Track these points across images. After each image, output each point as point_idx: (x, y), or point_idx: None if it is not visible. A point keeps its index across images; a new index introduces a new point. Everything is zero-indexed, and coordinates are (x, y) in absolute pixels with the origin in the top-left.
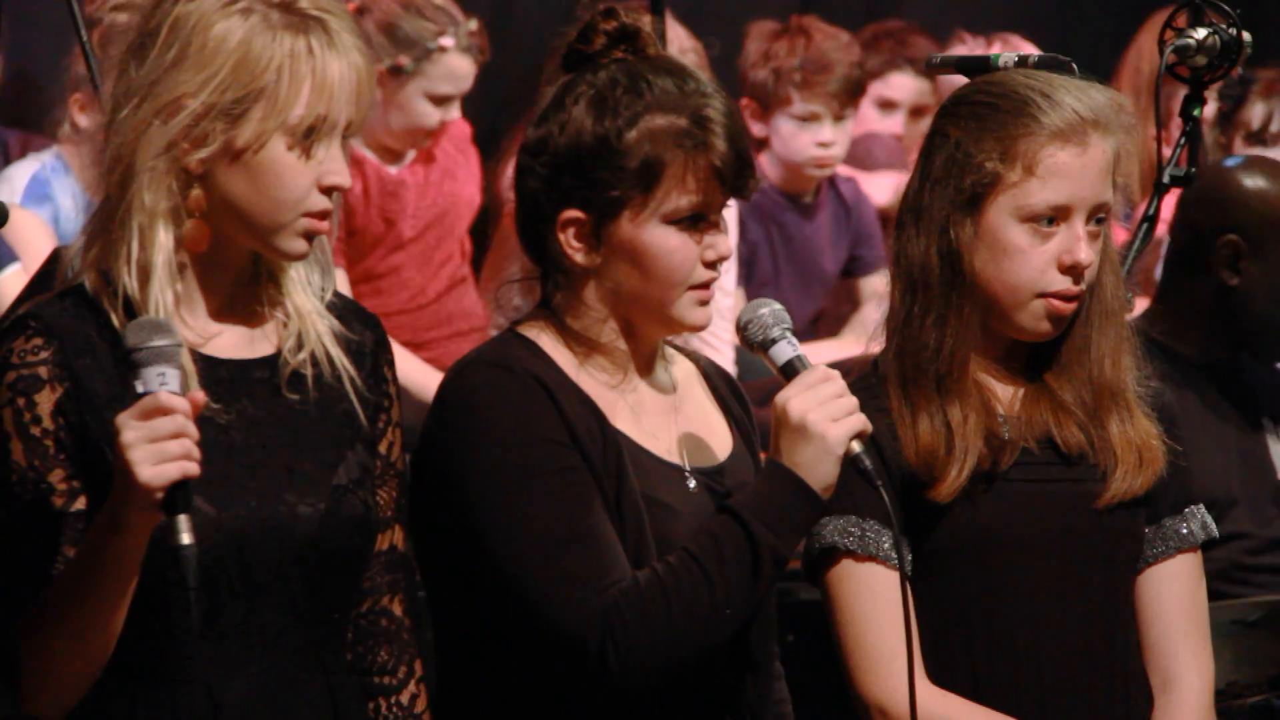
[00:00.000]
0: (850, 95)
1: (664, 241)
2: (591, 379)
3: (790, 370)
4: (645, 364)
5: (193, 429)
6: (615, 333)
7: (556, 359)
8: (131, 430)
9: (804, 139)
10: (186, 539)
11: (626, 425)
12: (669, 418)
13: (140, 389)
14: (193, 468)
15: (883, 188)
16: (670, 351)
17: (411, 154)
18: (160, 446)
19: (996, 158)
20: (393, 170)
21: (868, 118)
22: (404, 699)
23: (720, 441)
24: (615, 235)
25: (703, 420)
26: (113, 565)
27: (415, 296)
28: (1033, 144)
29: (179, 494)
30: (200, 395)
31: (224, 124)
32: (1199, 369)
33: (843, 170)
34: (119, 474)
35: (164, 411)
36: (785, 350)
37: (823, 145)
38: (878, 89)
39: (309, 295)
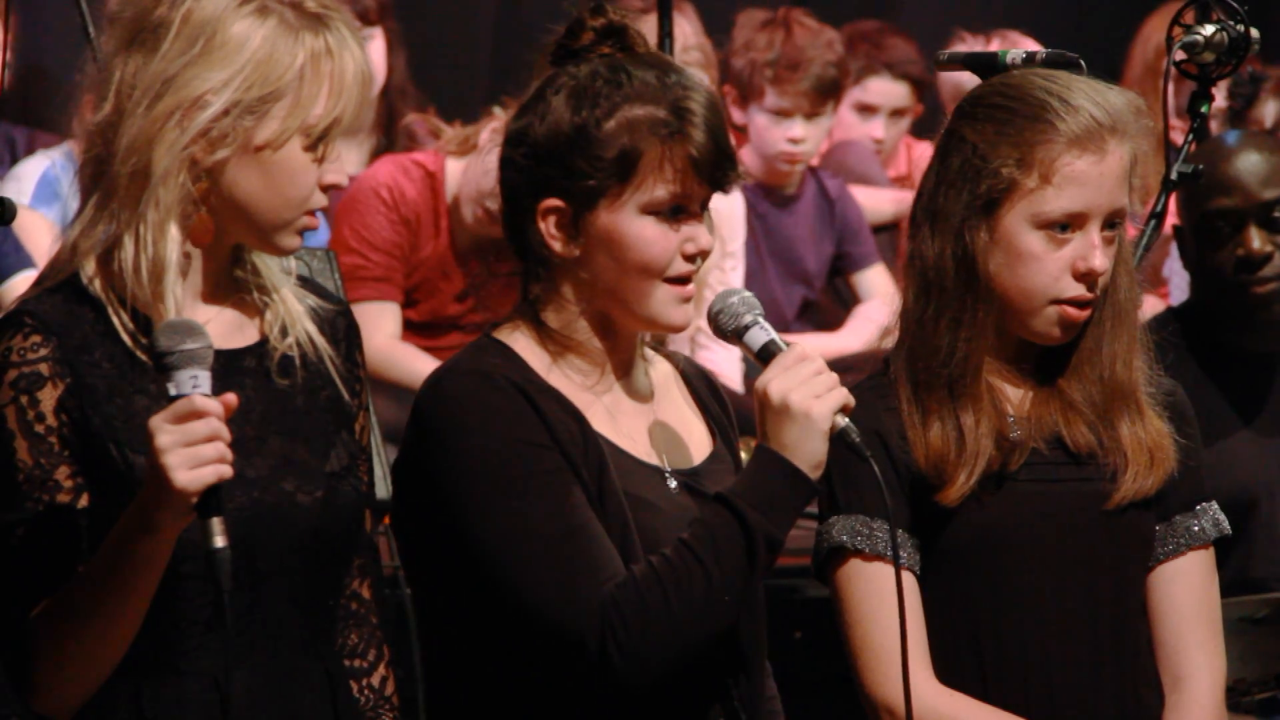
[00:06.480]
0: (822, 95)
1: (641, 231)
2: (567, 380)
3: (767, 354)
4: (622, 366)
5: (225, 432)
6: (589, 331)
7: (531, 362)
8: (166, 434)
9: (776, 133)
10: (220, 542)
11: (604, 427)
12: (646, 420)
13: (174, 391)
14: (227, 470)
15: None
16: (649, 352)
17: None
18: (196, 450)
19: (1013, 164)
20: None
21: (847, 122)
22: (375, 681)
23: (698, 443)
24: (593, 225)
25: (680, 423)
26: (140, 565)
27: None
28: (1050, 151)
29: (213, 497)
30: (232, 397)
31: (245, 122)
32: None
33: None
34: (152, 477)
35: (198, 415)
36: (759, 335)
37: (793, 141)
38: (855, 94)
39: (287, 278)
